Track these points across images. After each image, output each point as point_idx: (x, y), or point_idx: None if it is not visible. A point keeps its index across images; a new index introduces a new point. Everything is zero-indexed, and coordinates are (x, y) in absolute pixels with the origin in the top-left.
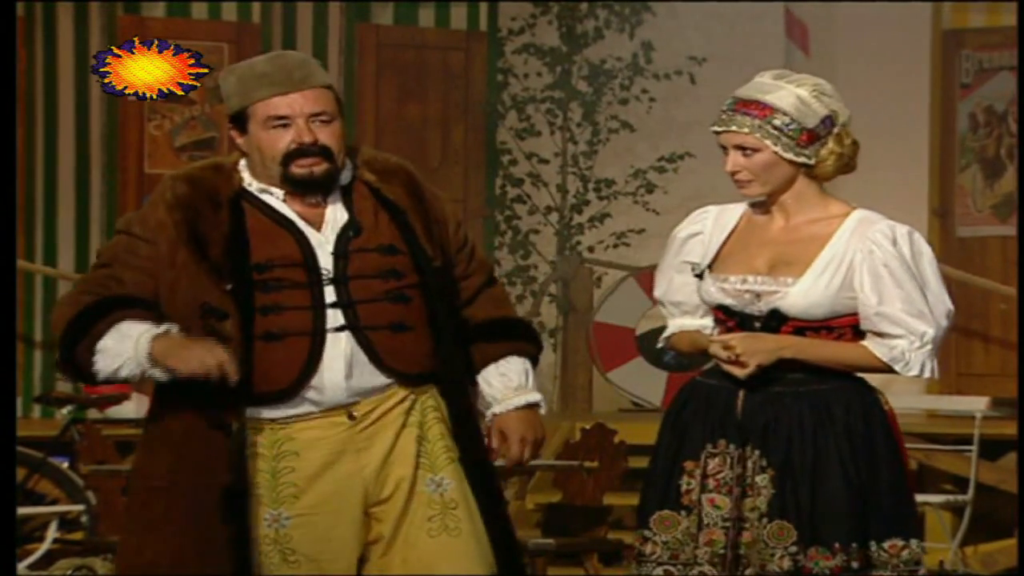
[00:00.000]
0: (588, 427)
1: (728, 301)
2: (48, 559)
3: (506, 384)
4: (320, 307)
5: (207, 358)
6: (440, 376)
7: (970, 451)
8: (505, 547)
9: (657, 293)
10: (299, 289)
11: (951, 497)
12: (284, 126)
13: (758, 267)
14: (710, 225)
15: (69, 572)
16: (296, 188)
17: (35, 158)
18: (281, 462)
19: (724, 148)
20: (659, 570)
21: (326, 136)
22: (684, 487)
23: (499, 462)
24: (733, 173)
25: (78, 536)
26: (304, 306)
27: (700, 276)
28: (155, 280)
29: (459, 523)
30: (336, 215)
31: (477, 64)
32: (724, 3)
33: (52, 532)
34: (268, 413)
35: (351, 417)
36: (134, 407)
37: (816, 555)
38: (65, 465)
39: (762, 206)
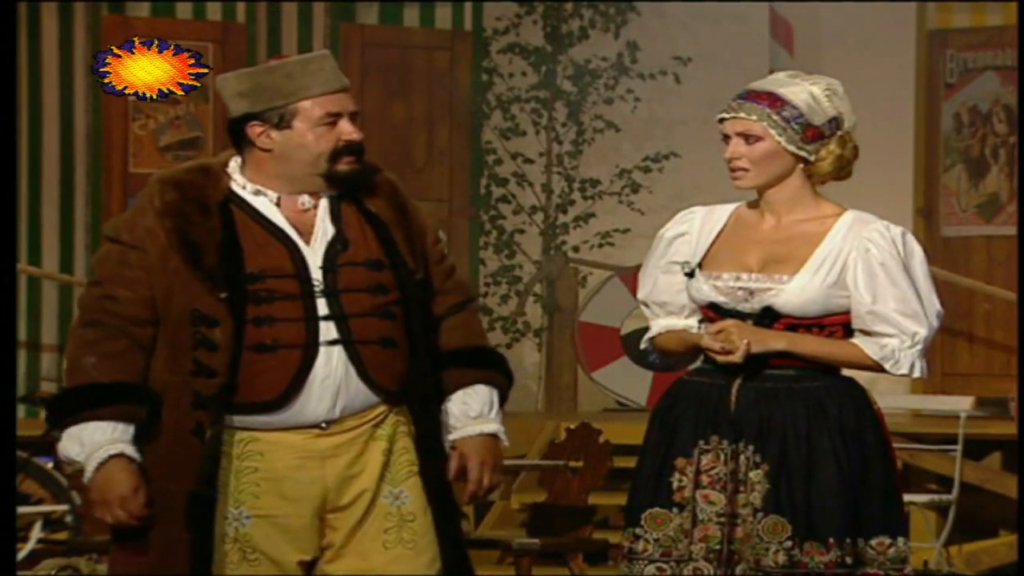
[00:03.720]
0: (573, 427)
1: (720, 299)
2: (32, 559)
3: (465, 412)
4: (313, 319)
5: (118, 513)
6: (411, 391)
7: (955, 451)
8: (455, 562)
9: (641, 294)
10: (291, 301)
11: (936, 496)
12: (332, 124)
13: (750, 265)
14: (697, 225)
15: (53, 572)
16: (337, 184)
17: (19, 157)
18: (244, 461)
19: (726, 137)
20: (651, 567)
21: (360, 136)
22: (676, 484)
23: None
24: (731, 160)
25: (62, 536)
26: (297, 318)
27: (691, 275)
28: (149, 288)
29: (415, 536)
30: (325, 227)
31: (462, 64)
32: (709, 3)
33: (36, 532)
34: (241, 421)
35: (322, 426)
36: None
37: (812, 550)
38: (50, 465)
39: (752, 205)
